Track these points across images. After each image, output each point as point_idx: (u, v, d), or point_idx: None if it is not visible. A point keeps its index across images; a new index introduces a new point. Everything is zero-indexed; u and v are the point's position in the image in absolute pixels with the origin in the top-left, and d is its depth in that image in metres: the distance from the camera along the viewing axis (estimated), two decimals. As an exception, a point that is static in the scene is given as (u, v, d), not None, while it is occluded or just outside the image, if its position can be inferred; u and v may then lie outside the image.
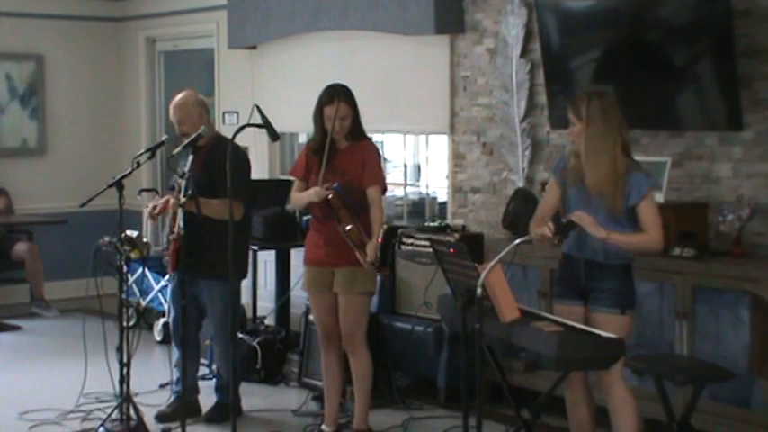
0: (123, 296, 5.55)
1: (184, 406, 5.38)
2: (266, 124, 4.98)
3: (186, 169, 5.24)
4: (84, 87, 9.67)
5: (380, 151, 5.42)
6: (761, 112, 5.42)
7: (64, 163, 9.51)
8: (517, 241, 4.51)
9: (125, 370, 5.42)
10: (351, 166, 5.24)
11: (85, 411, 5.87)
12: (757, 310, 4.18)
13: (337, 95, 5.22)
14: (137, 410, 5.44)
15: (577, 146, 4.68)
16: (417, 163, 8.21)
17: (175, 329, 5.80)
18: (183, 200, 5.20)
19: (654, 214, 4.60)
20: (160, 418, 5.68)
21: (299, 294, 7.19)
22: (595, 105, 4.63)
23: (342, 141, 5.30)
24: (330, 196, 5.13)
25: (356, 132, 5.30)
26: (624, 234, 4.58)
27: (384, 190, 5.38)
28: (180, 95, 5.79)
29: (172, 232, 5.35)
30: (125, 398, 5.42)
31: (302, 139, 8.70)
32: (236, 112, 8.50)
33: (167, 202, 5.55)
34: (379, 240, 5.27)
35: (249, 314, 7.35)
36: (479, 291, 4.52)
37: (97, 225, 7.65)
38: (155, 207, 5.64)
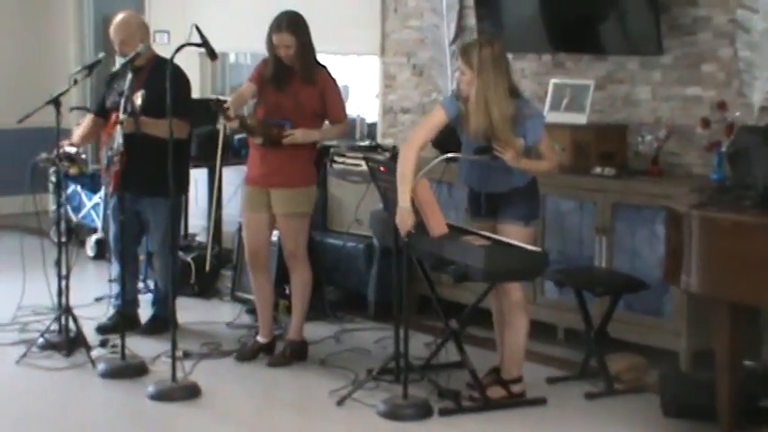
0: (62, 211, 5.64)
1: (124, 319, 5.52)
2: (205, 44, 5.09)
3: (125, 88, 5.30)
4: (11, 3, 9.55)
5: (337, 81, 5.50)
6: (679, 37, 5.66)
7: (-10, 80, 9.44)
8: (438, 159, 4.81)
9: (64, 283, 5.51)
10: (306, 94, 5.33)
11: (22, 323, 5.97)
12: (671, 224, 4.44)
13: (282, 25, 5.31)
14: (76, 322, 5.55)
15: (467, 92, 4.82)
16: (346, 84, 8.33)
17: (115, 245, 5.91)
18: (123, 117, 5.28)
19: (551, 147, 4.95)
20: (101, 329, 5.81)
21: (230, 213, 7.34)
22: (486, 54, 4.76)
23: (297, 67, 5.35)
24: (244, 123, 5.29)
25: (308, 62, 5.35)
26: (533, 162, 4.84)
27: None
28: (122, 16, 5.81)
29: (112, 149, 5.44)
30: (64, 309, 5.52)
31: (232, 59, 8.77)
32: (167, 32, 8.51)
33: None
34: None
35: (182, 231, 7.45)
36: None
37: (27, 142, 7.67)
38: None
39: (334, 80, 5.47)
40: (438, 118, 4.95)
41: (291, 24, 5.33)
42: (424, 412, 4.77)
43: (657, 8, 5.57)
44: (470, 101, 4.79)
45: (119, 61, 5.77)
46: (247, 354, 5.57)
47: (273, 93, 5.36)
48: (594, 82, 5.94)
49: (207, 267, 6.69)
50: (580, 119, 5.83)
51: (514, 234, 4.84)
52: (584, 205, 5.61)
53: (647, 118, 5.83)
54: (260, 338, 5.64)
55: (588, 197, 5.57)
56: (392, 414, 4.75)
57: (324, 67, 5.47)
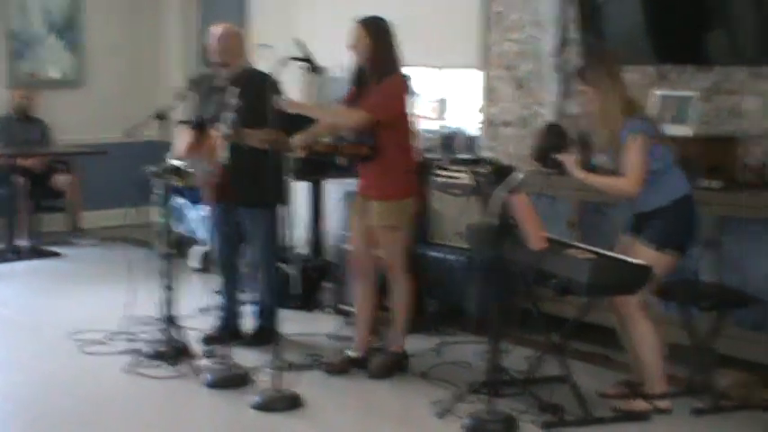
0: (167, 223, 5.74)
1: (228, 330, 5.60)
2: (308, 58, 5.14)
3: (233, 101, 5.38)
4: (120, 20, 9.81)
5: (406, 86, 5.33)
6: (789, 47, 5.54)
7: (101, 95, 9.68)
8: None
9: (169, 293, 5.62)
10: None
11: (131, 333, 6.09)
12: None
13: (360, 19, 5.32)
14: (181, 332, 5.66)
15: (589, 111, 4.86)
16: (444, 97, 8.32)
17: (219, 257, 6.01)
18: (228, 131, 5.37)
19: (633, 161, 4.72)
20: (206, 341, 5.91)
21: (332, 225, 7.39)
22: (600, 67, 4.84)
23: (367, 69, 5.31)
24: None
25: (377, 64, 5.25)
26: (599, 177, 4.81)
27: (378, 120, 5.21)
28: (225, 26, 5.93)
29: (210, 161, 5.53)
30: (170, 320, 5.63)
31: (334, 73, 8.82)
32: (270, 46, 8.61)
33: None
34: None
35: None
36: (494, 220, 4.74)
37: (135, 156, 7.85)
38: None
39: (397, 84, 5.26)
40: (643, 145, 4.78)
41: (366, 20, 5.29)
42: (508, 427, 4.73)
43: (767, 17, 5.45)
44: (595, 117, 4.82)
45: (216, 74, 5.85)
46: (337, 367, 5.58)
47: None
48: (700, 93, 5.83)
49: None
50: (686, 131, 5.74)
51: (641, 256, 4.75)
52: (689, 218, 5.50)
53: (754, 129, 5.70)
54: (351, 352, 5.62)
55: (694, 210, 5.46)
56: (475, 429, 4.71)
57: (402, 75, 5.31)
